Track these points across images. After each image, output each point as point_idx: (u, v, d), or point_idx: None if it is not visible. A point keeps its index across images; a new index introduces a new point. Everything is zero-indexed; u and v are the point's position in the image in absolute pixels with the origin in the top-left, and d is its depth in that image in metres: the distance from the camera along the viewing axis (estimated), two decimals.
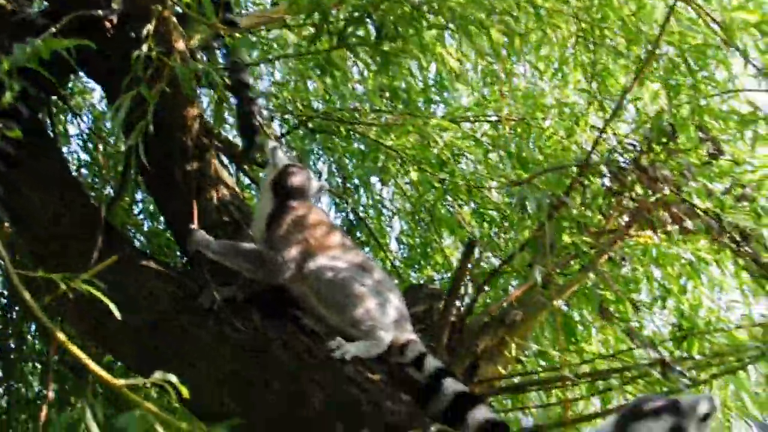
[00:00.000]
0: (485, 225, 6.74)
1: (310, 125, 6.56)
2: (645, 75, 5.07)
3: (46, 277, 2.57)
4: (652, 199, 4.18)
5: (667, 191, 4.24)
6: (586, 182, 4.42)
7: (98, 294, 2.17)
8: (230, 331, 3.89)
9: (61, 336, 2.16)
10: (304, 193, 4.34)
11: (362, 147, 7.06)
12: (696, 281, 5.48)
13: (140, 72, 3.85)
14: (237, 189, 4.78)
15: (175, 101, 4.23)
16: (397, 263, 7.33)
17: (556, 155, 5.85)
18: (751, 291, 5.20)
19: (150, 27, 4.09)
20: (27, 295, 2.41)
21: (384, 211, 7.70)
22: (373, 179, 7.46)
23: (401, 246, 7.62)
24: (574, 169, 4.55)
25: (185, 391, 1.96)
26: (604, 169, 4.40)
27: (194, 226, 4.12)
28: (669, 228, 4.22)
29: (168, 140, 4.38)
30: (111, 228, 4.42)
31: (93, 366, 2.06)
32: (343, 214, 7.59)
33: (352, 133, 6.75)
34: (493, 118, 6.49)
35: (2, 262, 2.79)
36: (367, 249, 7.28)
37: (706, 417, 2.67)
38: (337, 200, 7.57)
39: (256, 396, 3.74)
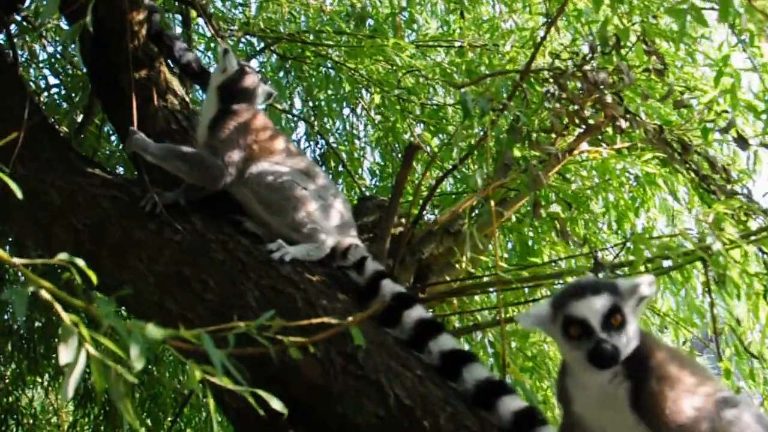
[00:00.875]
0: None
1: (275, 49, 6.41)
2: None
3: None
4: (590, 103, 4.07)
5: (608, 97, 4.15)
6: (527, 87, 4.30)
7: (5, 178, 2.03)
8: (170, 233, 3.82)
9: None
10: (250, 97, 4.20)
11: (332, 74, 6.96)
12: (647, 201, 5.41)
13: None
14: (187, 98, 4.63)
15: (119, 5, 4.10)
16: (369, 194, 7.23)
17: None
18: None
19: None
20: None
21: (356, 142, 7.62)
22: (346, 110, 7.37)
23: (374, 177, 7.53)
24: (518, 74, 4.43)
25: (93, 277, 1.85)
26: (546, 74, 4.29)
27: (134, 128, 3.99)
28: (606, 129, 4.14)
29: (113, 47, 4.25)
30: (58, 136, 4.33)
31: None
32: (314, 143, 7.49)
33: (320, 60, 6.60)
34: (457, 45, 6.36)
35: None
36: (340, 180, 7.21)
37: (643, 298, 2.60)
38: (309, 129, 7.46)
39: (194, 296, 3.68)
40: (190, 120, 4.47)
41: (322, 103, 7.36)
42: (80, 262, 1.87)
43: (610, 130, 4.33)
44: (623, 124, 4.00)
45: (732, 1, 3.12)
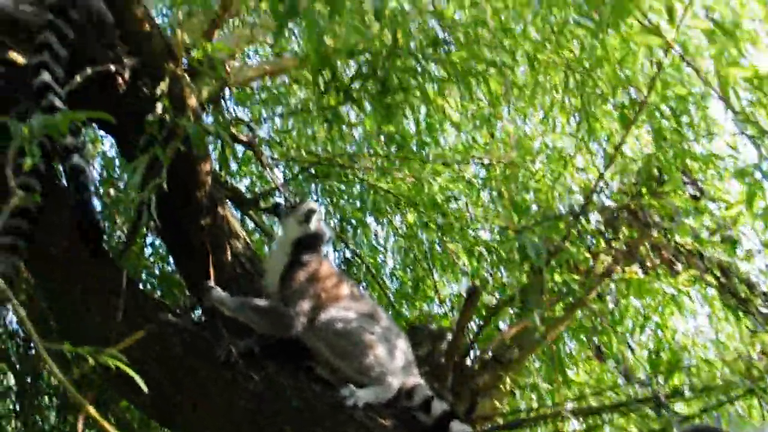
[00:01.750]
0: (474, 261, 6.69)
1: (311, 170, 6.53)
2: (631, 121, 5.06)
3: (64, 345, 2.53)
4: (645, 243, 4.17)
5: (655, 233, 4.25)
6: (581, 228, 4.41)
7: (127, 370, 2.10)
8: (245, 380, 3.87)
9: (92, 411, 2.09)
10: (320, 248, 4.32)
11: (358, 189, 7.06)
12: (680, 312, 5.48)
13: (156, 133, 3.81)
14: (248, 240, 4.72)
15: (188, 159, 4.19)
16: (391, 296, 7.28)
17: (546, 199, 5.83)
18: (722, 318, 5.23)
19: (164, 86, 4.06)
20: (56, 369, 2.36)
21: (379, 248, 7.68)
22: (368, 219, 7.45)
23: (394, 280, 7.58)
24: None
25: None
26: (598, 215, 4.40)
27: (211, 282, 4.08)
28: (659, 270, 4.22)
29: (182, 197, 4.34)
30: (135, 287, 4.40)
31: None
32: (340, 252, 7.56)
33: (349, 176, 6.71)
34: (485, 161, 6.47)
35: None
36: (363, 284, 7.27)
37: None
38: (335, 240, 7.54)
39: None
40: (253, 262, 4.55)
41: (348, 213, 7.47)
42: None
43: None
44: (679, 267, 4.09)
45: None
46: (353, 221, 7.45)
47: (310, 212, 4.28)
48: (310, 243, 4.25)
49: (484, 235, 6.55)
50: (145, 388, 2.27)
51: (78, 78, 4.28)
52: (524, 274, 4.55)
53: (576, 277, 4.65)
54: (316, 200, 7.45)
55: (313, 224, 4.25)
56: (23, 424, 6.75)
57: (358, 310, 4.14)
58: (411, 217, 6.62)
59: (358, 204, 7.18)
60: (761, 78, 3.62)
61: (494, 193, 6.39)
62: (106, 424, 2.17)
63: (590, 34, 4.57)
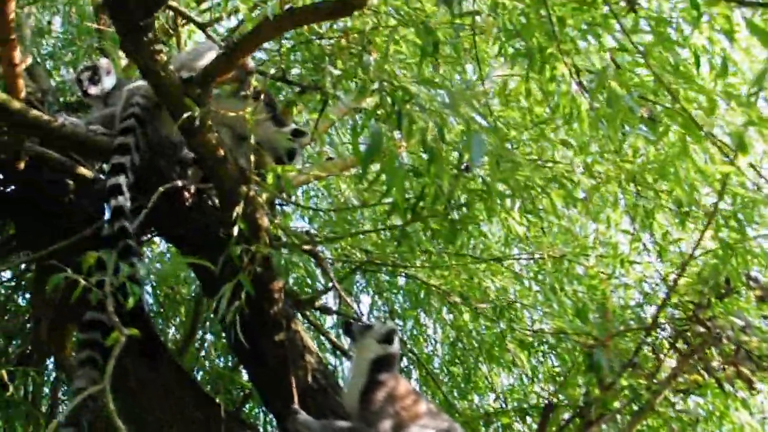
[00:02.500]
0: (527, 353, 6.70)
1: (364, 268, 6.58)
2: (689, 220, 5.08)
3: None
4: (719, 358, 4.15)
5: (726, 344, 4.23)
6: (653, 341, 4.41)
7: None
8: None
9: None
10: (395, 366, 4.36)
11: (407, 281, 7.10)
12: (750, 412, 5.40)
13: (236, 260, 3.88)
14: (319, 353, 4.76)
15: (261, 278, 4.24)
16: (444, 389, 7.26)
17: (600, 294, 5.83)
18: None
19: (239, 209, 4.13)
20: None
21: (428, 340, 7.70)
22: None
23: (444, 372, 7.57)
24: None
25: None
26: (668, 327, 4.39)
27: (295, 406, 4.12)
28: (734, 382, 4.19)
29: (256, 313, 4.38)
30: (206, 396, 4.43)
31: None
32: None
33: (401, 273, 6.76)
34: (536, 255, 6.49)
35: None
36: (415, 377, 7.28)
37: None
38: None
39: None
40: (326, 377, 4.58)
41: (395, 305, 7.51)
42: None
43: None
44: (757, 385, 4.07)
45: None
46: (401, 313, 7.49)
47: (392, 333, 4.32)
48: (387, 362, 4.29)
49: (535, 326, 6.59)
50: None
51: (152, 198, 4.40)
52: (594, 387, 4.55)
53: (642, 381, 4.63)
54: (363, 292, 7.52)
55: (395, 345, 4.30)
56: None
57: (437, 427, 4.15)
58: (462, 311, 6.60)
59: (407, 299, 7.22)
60: None
61: (546, 287, 6.39)
62: None
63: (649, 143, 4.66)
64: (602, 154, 5.00)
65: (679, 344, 4.29)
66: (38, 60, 6.73)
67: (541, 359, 6.88)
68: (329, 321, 7.69)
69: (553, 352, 6.70)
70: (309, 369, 4.55)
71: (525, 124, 5.18)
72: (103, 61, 6.04)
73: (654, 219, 5.34)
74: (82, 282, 3.42)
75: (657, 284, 5.70)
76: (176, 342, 6.62)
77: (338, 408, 4.46)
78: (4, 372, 6.40)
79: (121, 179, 4.64)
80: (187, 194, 4.99)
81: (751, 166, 4.25)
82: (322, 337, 6.93)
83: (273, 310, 4.47)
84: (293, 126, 5.16)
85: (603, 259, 6.05)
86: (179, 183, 4.97)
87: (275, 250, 4.18)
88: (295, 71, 5.41)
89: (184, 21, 6.10)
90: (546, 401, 4.90)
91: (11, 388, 6.46)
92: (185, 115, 4.02)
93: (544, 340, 6.63)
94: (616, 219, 5.94)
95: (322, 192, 7.60)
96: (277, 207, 6.23)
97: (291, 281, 7.04)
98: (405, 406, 4.16)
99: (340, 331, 5.00)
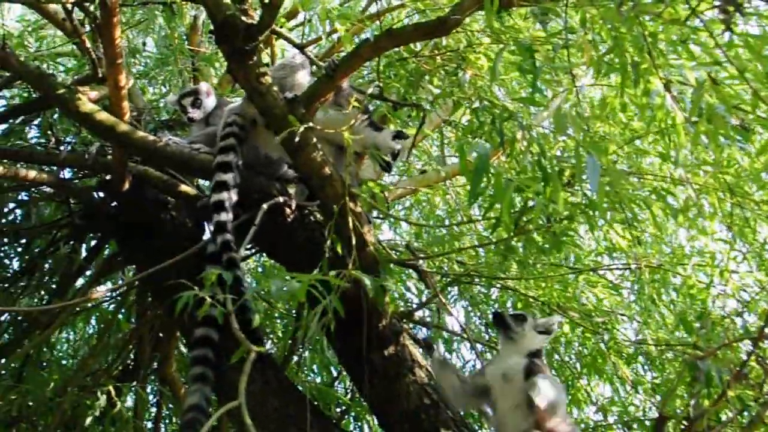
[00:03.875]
0: (624, 364, 6.63)
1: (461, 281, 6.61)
2: None
3: None
4: None
5: None
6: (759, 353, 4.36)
7: None
8: None
9: None
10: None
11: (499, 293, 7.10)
12: None
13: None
14: (429, 368, 4.81)
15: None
16: None
17: (700, 304, 5.78)
18: None
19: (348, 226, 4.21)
20: None
21: None
22: None
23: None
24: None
25: None
26: None
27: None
28: None
29: (361, 328, 4.48)
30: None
31: None
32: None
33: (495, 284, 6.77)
34: (632, 266, 6.44)
35: None
36: None
37: None
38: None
39: None
40: (437, 392, 4.63)
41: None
42: None
43: None
44: None
45: None
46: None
47: (553, 324, 4.39)
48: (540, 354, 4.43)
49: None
50: None
51: (259, 214, 4.51)
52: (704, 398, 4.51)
53: (749, 392, 4.57)
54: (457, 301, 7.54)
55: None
56: None
57: None
58: (567, 327, 6.58)
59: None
60: None
61: (644, 297, 6.34)
62: None
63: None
64: (700, 166, 4.97)
65: None
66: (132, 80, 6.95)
67: (642, 371, 6.79)
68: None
69: (654, 363, 6.61)
70: (420, 383, 4.59)
71: (624, 137, 5.17)
72: (203, 85, 6.24)
73: (751, 228, 5.29)
74: (208, 299, 3.54)
75: (757, 293, 5.63)
76: (276, 358, 6.73)
77: (450, 423, 4.50)
78: (111, 387, 6.57)
79: (224, 195, 4.78)
80: (288, 210, 5.10)
81: None
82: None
83: (381, 323, 4.54)
84: (394, 129, 5.22)
85: (700, 269, 5.99)
86: (281, 199, 5.08)
87: (384, 265, 4.24)
88: (390, 87, 5.49)
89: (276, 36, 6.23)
90: (657, 412, 4.84)
91: (118, 404, 6.64)
92: (285, 132, 4.11)
93: (644, 350, 6.55)
94: (712, 228, 5.89)
95: (414, 205, 7.64)
96: (375, 220, 6.34)
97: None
98: None
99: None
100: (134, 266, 7.02)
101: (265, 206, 4.74)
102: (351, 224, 4.21)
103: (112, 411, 6.62)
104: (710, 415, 4.33)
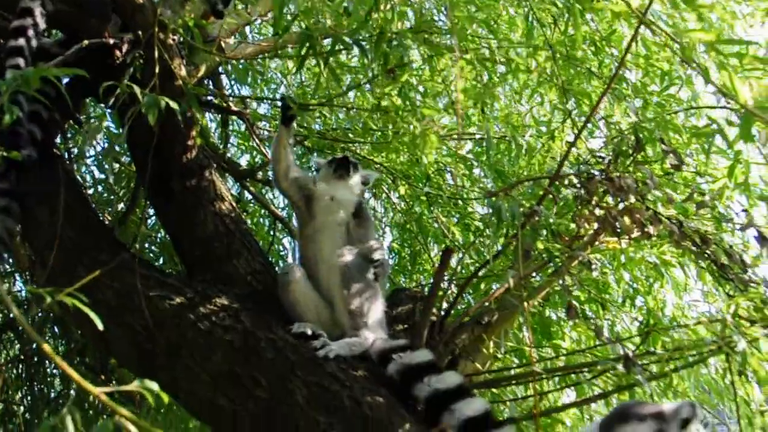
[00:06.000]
0: (468, 233, 6.66)
1: (307, 143, 6.50)
2: (614, 93, 5.03)
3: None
4: (619, 207, 4.10)
5: (632, 199, 4.18)
6: (558, 193, 4.37)
7: (80, 306, 2.08)
8: (222, 332, 3.85)
9: (47, 347, 2.06)
10: None
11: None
12: (662, 282, 5.40)
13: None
14: (234, 203, 4.72)
15: (174, 123, 4.20)
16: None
17: (536, 170, 5.81)
18: (711, 291, 5.16)
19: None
20: (15, 309, 2.35)
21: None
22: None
23: (392, 254, 7.53)
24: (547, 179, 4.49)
25: (165, 397, 1.88)
26: (574, 179, 4.34)
27: None
28: (634, 234, 4.16)
29: (166, 155, 4.37)
30: (115, 239, 4.40)
31: (73, 373, 1.96)
32: None
33: (345, 150, 6.69)
34: (477, 136, 6.45)
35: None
36: None
37: (686, 422, 2.59)
38: None
39: (246, 393, 3.70)
40: (237, 223, 4.55)
41: None
42: (154, 386, 1.89)
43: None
44: (652, 230, 4.02)
45: (751, 125, 3.16)
46: None
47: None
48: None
49: (477, 209, 6.58)
50: (100, 325, 2.23)
51: (72, 49, 4.29)
52: (502, 238, 4.54)
53: (558, 245, 4.60)
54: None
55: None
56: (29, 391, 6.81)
57: None
58: (403, 189, 6.56)
59: None
60: (723, 42, 3.53)
61: (485, 169, 6.35)
62: (58, 359, 2.11)
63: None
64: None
65: (585, 196, 4.20)
66: None
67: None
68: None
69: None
70: (219, 214, 4.49)
71: None
72: None
73: (582, 92, 5.31)
74: None
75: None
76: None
77: (243, 252, 4.44)
78: None
79: (28, 21, 4.44)
80: (118, 53, 4.87)
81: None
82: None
83: (187, 155, 4.42)
84: None
85: (539, 139, 6.00)
86: (110, 41, 4.82)
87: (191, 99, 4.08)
88: None
89: None
90: (446, 247, 4.87)
91: None
92: None
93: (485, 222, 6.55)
94: (551, 97, 5.90)
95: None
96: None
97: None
98: None
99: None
100: None
101: (85, 42, 4.46)
102: (156, 53, 4.02)
103: None
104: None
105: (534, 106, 6.23)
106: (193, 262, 4.51)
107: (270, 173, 4.87)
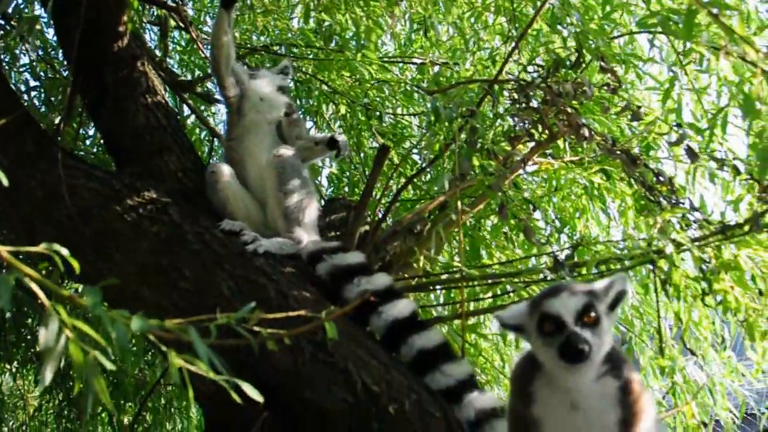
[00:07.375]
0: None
1: (246, 60, 6.32)
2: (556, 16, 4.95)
3: None
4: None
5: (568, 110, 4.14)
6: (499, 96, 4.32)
7: None
8: (148, 224, 3.74)
9: None
10: None
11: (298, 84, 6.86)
12: (595, 202, 5.38)
13: None
14: (166, 97, 4.54)
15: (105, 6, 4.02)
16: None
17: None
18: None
19: None
20: None
21: None
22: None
23: (332, 185, 7.42)
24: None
25: (76, 265, 1.77)
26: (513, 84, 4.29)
27: None
28: (566, 134, 4.13)
29: (98, 45, 4.22)
30: (41, 130, 4.21)
31: None
32: None
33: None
34: (419, 62, 6.34)
35: None
36: None
37: (621, 295, 2.52)
38: None
39: (170, 284, 3.62)
40: (168, 118, 4.39)
41: None
42: (64, 251, 1.79)
43: (570, 138, 4.30)
44: (587, 133, 3.97)
45: (695, 18, 3.10)
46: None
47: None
48: None
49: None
50: (5, 181, 2.08)
51: None
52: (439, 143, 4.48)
53: (492, 162, 4.54)
54: None
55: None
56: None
57: None
58: (344, 109, 6.41)
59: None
60: None
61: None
62: None
63: None
64: None
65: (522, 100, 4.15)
66: None
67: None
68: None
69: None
70: (150, 107, 4.32)
71: None
72: None
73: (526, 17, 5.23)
74: None
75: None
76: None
77: (174, 147, 4.29)
78: None
79: None
80: None
81: None
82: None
83: (118, 43, 4.23)
84: None
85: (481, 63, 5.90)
86: None
87: None
88: None
89: None
90: (382, 145, 4.80)
91: None
92: None
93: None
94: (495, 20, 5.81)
95: None
96: None
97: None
98: None
99: None
100: None
101: None
102: None
103: None
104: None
105: (478, 31, 6.10)
106: (122, 156, 4.34)
107: (209, 67, 4.66)
